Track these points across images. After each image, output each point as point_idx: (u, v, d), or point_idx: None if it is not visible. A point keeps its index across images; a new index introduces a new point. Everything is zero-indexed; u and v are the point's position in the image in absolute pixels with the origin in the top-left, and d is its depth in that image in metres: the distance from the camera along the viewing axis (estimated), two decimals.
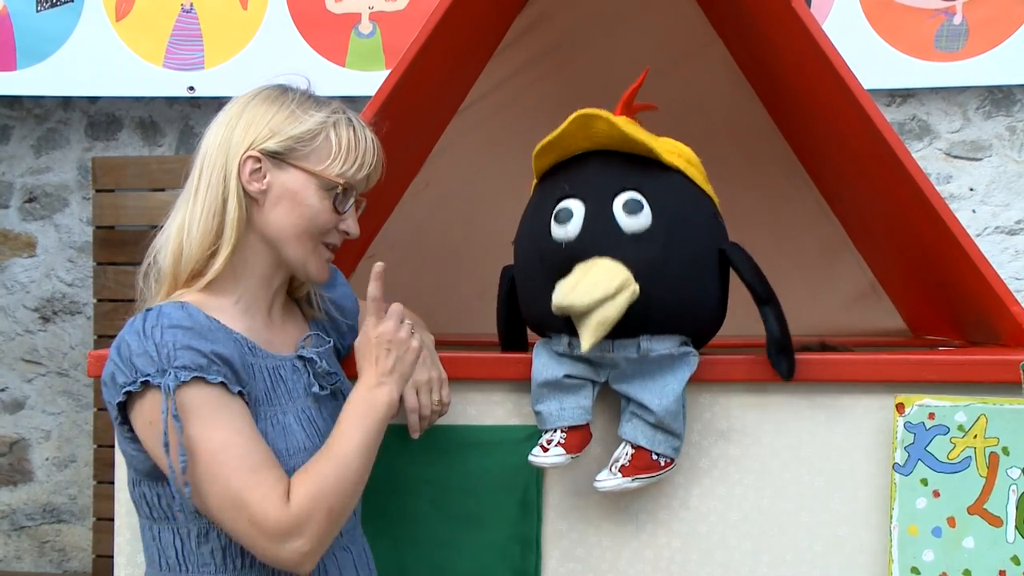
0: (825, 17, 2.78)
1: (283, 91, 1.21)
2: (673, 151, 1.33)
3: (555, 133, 1.29)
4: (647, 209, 1.26)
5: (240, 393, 1.08)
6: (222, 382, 1.06)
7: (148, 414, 1.06)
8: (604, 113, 1.25)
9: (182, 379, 1.03)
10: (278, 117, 1.17)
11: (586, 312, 1.22)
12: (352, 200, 1.22)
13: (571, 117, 1.26)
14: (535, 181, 1.40)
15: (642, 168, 1.29)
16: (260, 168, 1.16)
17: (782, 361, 1.33)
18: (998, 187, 2.88)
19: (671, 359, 1.30)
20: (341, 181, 1.19)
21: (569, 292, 1.22)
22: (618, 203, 1.27)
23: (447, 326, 1.87)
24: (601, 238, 1.26)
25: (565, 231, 1.28)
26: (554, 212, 1.29)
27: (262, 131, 1.16)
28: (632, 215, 1.26)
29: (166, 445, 1.03)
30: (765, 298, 1.31)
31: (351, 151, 1.19)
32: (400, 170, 2.05)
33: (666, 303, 1.27)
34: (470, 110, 2.15)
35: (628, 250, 1.25)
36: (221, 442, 1.05)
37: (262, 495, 1.04)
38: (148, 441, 1.08)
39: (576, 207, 1.28)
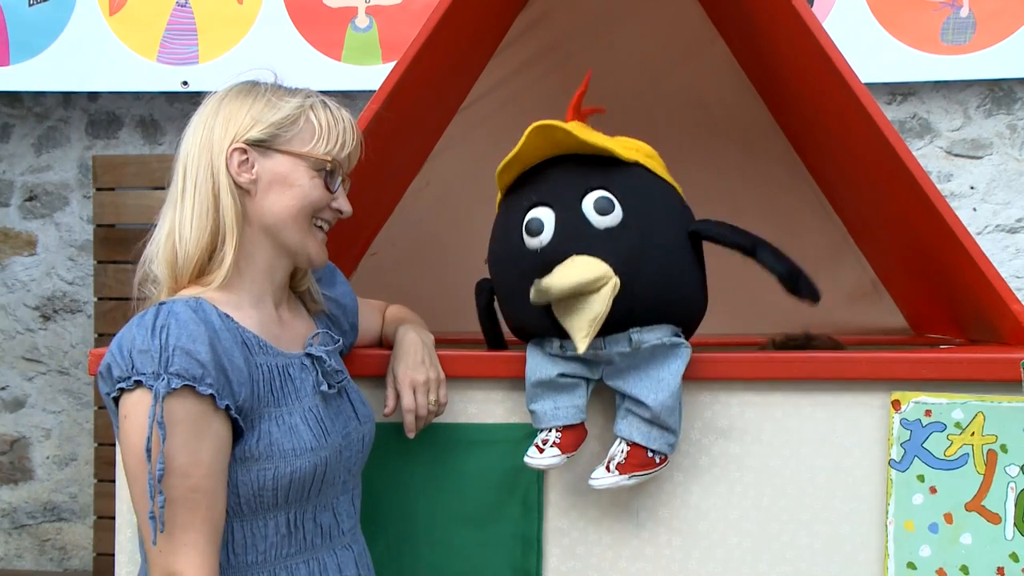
0: (829, 11, 2.76)
1: (253, 84, 1.22)
2: (630, 147, 1.35)
3: (515, 150, 1.30)
4: (617, 205, 1.27)
5: (227, 408, 1.07)
6: (211, 395, 1.05)
7: (131, 409, 1.05)
8: (559, 123, 1.26)
9: (173, 386, 1.03)
10: (256, 107, 1.18)
11: (563, 309, 1.23)
12: (340, 179, 1.23)
13: (527, 131, 1.27)
14: (499, 196, 1.40)
15: (604, 166, 1.30)
16: (247, 159, 1.17)
17: (801, 289, 1.29)
18: (999, 185, 2.88)
19: (663, 349, 1.30)
20: (328, 159, 1.19)
21: (547, 280, 1.23)
22: (587, 203, 1.28)
23: (447, 324, 1.87)
24: (575, 239, 1.27)
25: (539, 240, 1.29)
26: (524, 223, 1.30)
27: (243, 122, 1.17)
28: (603, 213, 1.27)
29: (148, 450, 1.02)
30: (751, 247, 1.30)
31: (332, 130, 1.20)
32: (401, 169, 2.05)
33: (649, 293, 1.28)
34: (471, 109, 2.15)
35: (603, 246, 1.26)
36: (180, 466, 1.04)
37: (184, 543, 1.04)
38: (121, 434, 1.07)
39: (545, 215, 1.29)
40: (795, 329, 1.78)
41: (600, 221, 1.27)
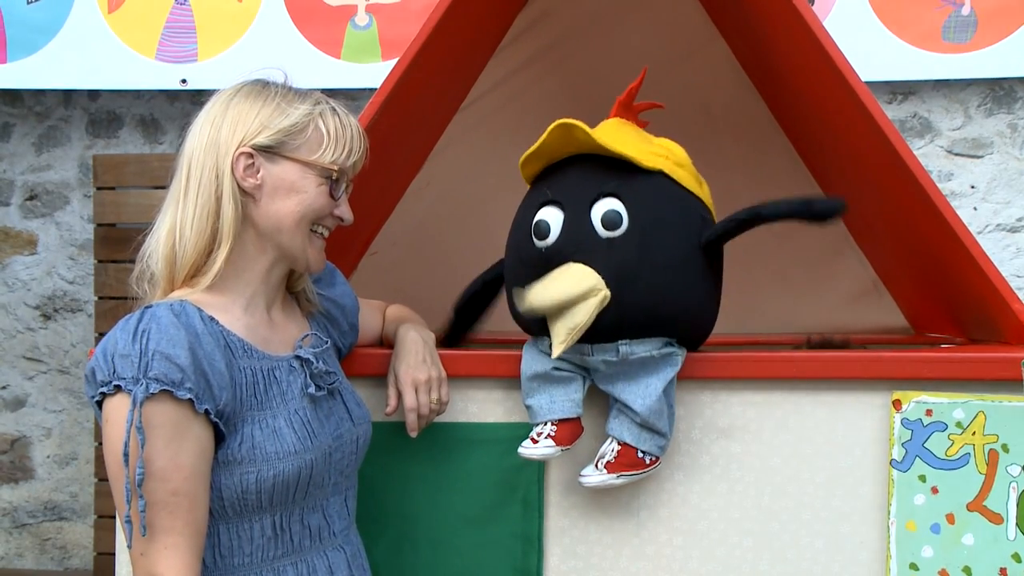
0: (830, 9, 2.75)
1: (264, 85, 1.21)
2: (660, 153, 1.33)
3: (536, 144, 1.30)
4: (624, 215, 1.26)
5: (207, 412, 1.07)
6: (190, 399, 1.05)
7: (112, 413, 1.06)
8: (581, 124, 1.26)
9: (151, 391, 1.03)
10: (265, 111, 1.17)
11: (550, 314, 1.24)
12: (344, 186, 1.23)
13: (550, 127, 1.27)
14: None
15: (622, 172, 1.29)
16: (253, 163, 1.16)
17: (823, 215, 1.28)
18: (999, 184, 2.87)
19: (652, 361, 1.30)
20: (335, 168, 1.19)
21: (533, 296, 1.24)
22: (596, 210, 1.27)
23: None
24: (577, 243, 1.27)
25: (545, 241, 1.29)
26: (533, 224, 1.30)
27: (251, 126, 1.16)
28: (610, 226, 1.26)
29: (125, 455, 1.02)
30: (753, 216, 1.28)
31: (340, 138, 1.20)
32: (402, 168, 2.05)
33: (641, 307, 1.26)
34: (471, 108, 2.15)
35: (602, 255, 1.25)
36: (159, 469, 1.04)
37: (165, 546, 1.05)
38: (104, 438, 1.07)
39: (554, 216, 1.29)
40: (795, 329, 1.78)
41: (605, 231, 1.26)
